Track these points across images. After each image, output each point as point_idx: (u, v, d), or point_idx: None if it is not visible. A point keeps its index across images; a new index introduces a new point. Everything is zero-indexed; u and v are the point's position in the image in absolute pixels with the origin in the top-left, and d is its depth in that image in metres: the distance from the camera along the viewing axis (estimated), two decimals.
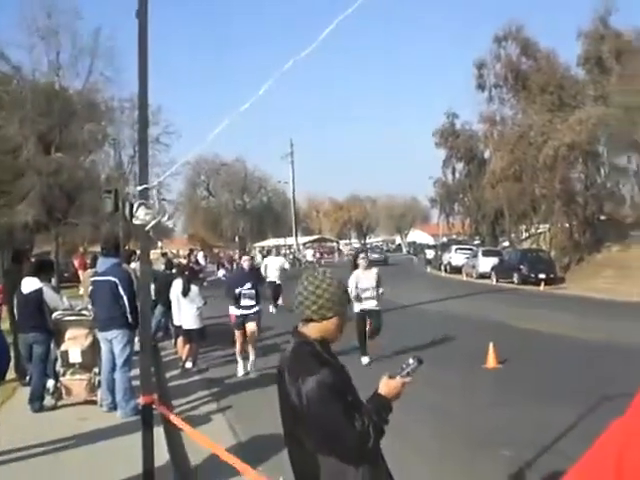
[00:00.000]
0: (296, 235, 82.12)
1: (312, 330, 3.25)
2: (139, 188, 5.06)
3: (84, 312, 10.16)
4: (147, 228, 5.06)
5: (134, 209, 4.89)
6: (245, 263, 14.09)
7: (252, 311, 13.09)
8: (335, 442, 3.03)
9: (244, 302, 12.96)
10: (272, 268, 23.66)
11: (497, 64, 51.78)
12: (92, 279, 10.21)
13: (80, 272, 26.54)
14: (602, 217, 45.19)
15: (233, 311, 13.34)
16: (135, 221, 4.98)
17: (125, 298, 9.09)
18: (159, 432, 7.87)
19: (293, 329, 3.35)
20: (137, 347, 8.53)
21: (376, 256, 69.58)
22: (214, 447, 5.06)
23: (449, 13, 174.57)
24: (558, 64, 49.28)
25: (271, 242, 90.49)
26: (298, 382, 3.04)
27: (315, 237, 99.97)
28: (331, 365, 3.15)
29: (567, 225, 43.93)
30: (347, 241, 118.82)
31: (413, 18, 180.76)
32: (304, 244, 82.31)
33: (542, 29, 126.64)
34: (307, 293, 3.25)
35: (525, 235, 54.12)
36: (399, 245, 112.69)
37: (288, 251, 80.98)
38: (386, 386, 3.31)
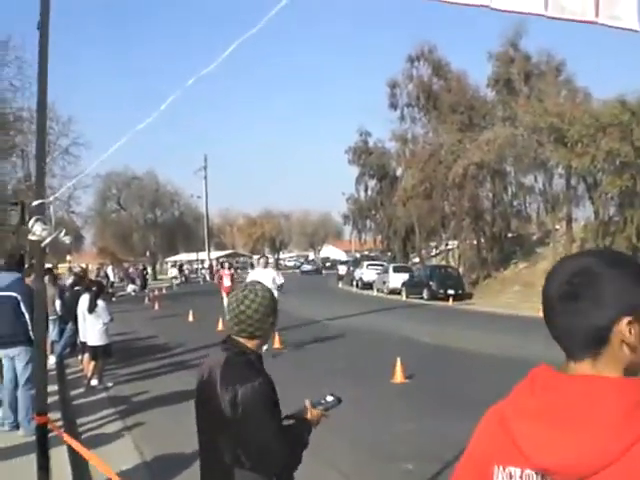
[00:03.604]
0: (209, 250, 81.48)
1: (248, 342, 3.23)
2: (35, 203, 4.87)
3: None
4: (43, 244, 4.91)
5: (30, 224, 4.74)
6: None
7: None
8: (264, 453, 3.01)
9: None
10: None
11: (409, 84, 52.99)
12: None
13: None
14: (509, 234, 46.41)
15: None
16: (31, 237, 4.80)
17: (27, 314, 8.82)
18: (64, 451, 7.70)
19: (226, 338, 3.29)
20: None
21: (309, 267, 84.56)
22: (108, 471, 4.96)
23: (366, 30, 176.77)
24: (468, 85, 50.72)
25: (183, 257, 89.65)
26: (235, 389, 2.99)
27: (228, 252, 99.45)
28: (267, 377, 3.13)
29: (475, 242, 44.96)
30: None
31: (329, 34, 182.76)
32: (217, 259, 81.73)
33: (455, 50, 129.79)
34: (244, 307, 3.20)
35: (435, 251, 55.12)
36: (312, 260, 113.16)
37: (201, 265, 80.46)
38: (310, 414, 3.35)
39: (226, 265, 32.72)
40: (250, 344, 3.22)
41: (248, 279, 17.07)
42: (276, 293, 15.25)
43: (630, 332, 1.51)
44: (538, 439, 1.50)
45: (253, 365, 3.17)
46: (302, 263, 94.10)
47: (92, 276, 28.90)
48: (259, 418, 2.98)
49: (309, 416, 3.34)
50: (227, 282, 27.17)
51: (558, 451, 1.45)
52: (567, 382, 1.54)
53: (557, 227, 41.23)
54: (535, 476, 1.52)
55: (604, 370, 1.53)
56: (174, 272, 65.19)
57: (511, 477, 1.57)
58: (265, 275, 16.09)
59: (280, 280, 16.86)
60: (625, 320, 1.51)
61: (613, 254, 1.69)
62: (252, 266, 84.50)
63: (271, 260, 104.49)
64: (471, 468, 1.72)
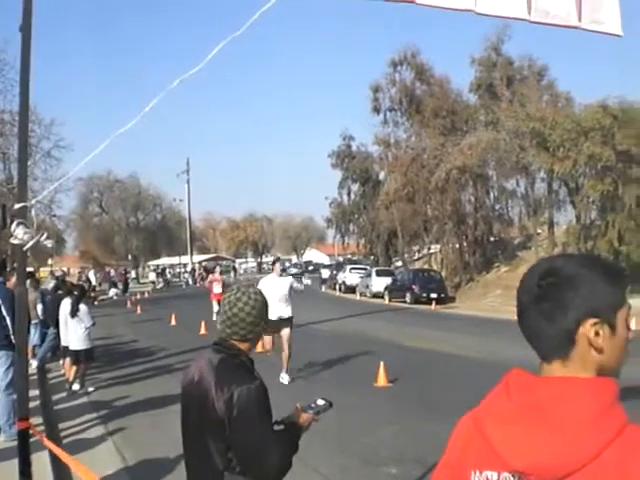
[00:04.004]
0: (191, 254, 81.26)
1: (240, 344, 3.20)
2: (17, 206, 4.83)
3: None
4: (25, 248, 4.86)
5: (12, 228, 4.69)
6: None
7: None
8: (257, 457, 2.98)
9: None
10: (274, 296, 12.46)
11: (392, 88, 53.05)
12: None
13: None
14: (491, 238, 46.55)
15: None
16: (13, 240, 4.76)
17: (8, 318, 8.75)
18: (45, 456, 7.64)
19: (219, 340, 3.25)
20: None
21: (296, 270, 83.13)
22: (90, 476, 4.92)
23: (350, 33, 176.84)
24: (451, 89, 50.86)
25: (165, 260, 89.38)
26: (231, 390, 2.95)
27: (211, 256, 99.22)
28: (261, 381, 3.11)
29: (458, 246, 45.06)
30: (243, 260, 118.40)
31: (312, 37, 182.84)
32: (200, 262, 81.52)
33: (438, 54, 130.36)
34: (237, 310, 3.17)
35: (417, 255, 55.20)
36: (297, 264, 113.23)
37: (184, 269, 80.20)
38: (301, 418, 3.31)
39: (217, 269, 29.69)
40: (242, 347, 3.20)
41: (260, 286, 11.50)
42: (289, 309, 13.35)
43: (597, 334, 1.52)
44: (514, 442, 1.51)
45: (247, 368, 3.15)
46: (289, 266, 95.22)
47: (74, 280, 28.69)
48: (254, 421, 2.95)
49: (300, 420, 3.31)
50: (217, 289, 25.60)
51: (534, 453, 1.46)
52: (540, 384, 1.55)
53: (539, 231, 41.45)
54: (512, 479, 1.52)
55: (575, 372, 1.54)
56: (153, 277, 65.20)
57: None
58: (280, 285, 13.30)
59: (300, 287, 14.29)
60: (590, 322, 1.52)
61: (585, 256, 1.69)
62: (235, 270, 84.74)
63: (255, 263, 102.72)
64: (447, 474, 1.72)
